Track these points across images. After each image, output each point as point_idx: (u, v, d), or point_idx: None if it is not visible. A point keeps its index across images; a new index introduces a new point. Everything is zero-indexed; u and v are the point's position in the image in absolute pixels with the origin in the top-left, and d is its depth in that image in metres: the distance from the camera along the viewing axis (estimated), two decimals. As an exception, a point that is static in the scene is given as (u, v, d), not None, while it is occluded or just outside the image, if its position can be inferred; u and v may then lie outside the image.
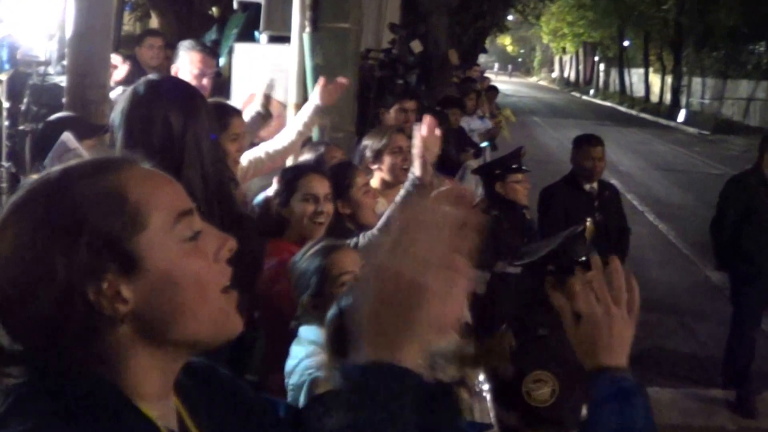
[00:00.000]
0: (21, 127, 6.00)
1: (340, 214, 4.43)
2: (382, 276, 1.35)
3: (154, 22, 17.65)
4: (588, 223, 6.11)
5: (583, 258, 4.17)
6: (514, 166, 6.37)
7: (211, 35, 12.39)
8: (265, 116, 5.31)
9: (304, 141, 5.36)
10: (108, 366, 1.39)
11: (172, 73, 5.83)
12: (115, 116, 2.90)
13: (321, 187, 4.22)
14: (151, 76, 3.11)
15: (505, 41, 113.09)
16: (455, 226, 1.37)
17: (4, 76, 6.46)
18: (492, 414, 4.18)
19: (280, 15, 6.63)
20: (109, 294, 1.36)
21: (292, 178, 4.18)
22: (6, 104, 6.38)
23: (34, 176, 1.47)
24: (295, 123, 5.22)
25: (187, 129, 2.87)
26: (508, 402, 4.04)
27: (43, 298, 1.33)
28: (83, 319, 1.35)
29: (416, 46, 9.08)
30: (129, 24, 20.87)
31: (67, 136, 3.19)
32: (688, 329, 10.03)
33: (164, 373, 1.46)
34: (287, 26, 6.12)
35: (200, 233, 1.45)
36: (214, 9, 18.60)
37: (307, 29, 5.84)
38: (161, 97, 2.90)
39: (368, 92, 7.68)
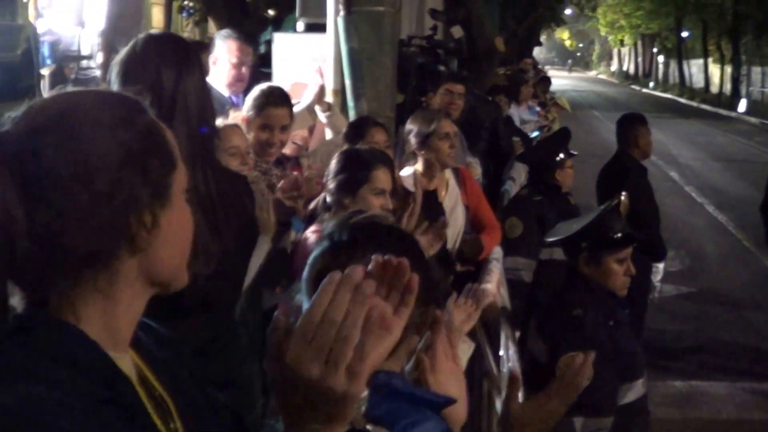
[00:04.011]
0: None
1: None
2: (312, 386, 1.27)
3: (211, 26, 18.16)
4: (623, 197, 5.97)
5: (619, 234, 4.06)
6: (571, 152, 6.34)
7: (266, 36, 12.45)
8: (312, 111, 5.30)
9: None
10: (94, 304, 1.37)
11: (210, 63, 5.78)
12: (112, 68, 2.88)
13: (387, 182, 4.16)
14: (153, 32, 3.08)
15: (563, 36, 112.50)
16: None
17: (46, 71, 6.50)
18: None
19: (316, 1, 6.57)
20: (147, 220, 1.37)
21: (362, 167, 4.01)
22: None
23: None
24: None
25: (179, 85, 2.85)
26: (541, 387, 3.92)
27: (96, 208, 1.32)
28: (109, 241, 1.34)
29: (456, 31, 8.97)
30: (188, 30, 21.69)
31: None
32: (746, 322, 9.82)
33: (135, 318, 1.44)
34: (324, 12, 6.06)
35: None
36: (270, 11, 18.84)
37: (341, 13, 5.76)
38: (157, 52, 2.88)
39: (410, 79, 7.59)
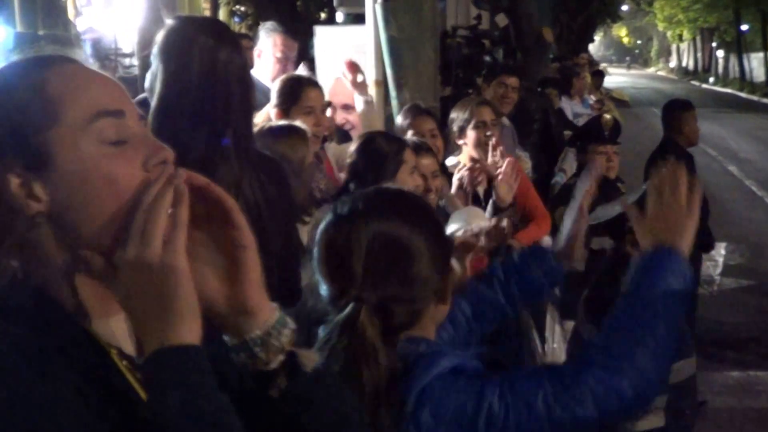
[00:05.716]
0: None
1: None
2: (131, 270, 1.28)
3: (262, 31, 18.52)
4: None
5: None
6: (603, 139, 6.21)
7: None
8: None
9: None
10: (42, 273, 1.36)
11: (255, 55, 5.78)
12: (153, 59, 2.83)
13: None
14: (181, 14, 3.03)
15: (621, 32, 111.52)
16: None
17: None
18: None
19: (354, -10, 6.58)
20: (23, 190, 1.33)
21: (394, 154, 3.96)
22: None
23: None
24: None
25: (229, 62, 2.82)
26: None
27: None
28: None
29: (501, 20, 8.85)
30: (239, 35, 22.11)
31: None
32: (807, 313, 9.64)
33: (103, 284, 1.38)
34: (362, 1, 6.02)
35: (128, 140, 1.37)
36: (321, 14, 18.92)
37: (379, 0, 5.72)
38: (196, 33, 2.84)
39: (456, 70, 7.54)
